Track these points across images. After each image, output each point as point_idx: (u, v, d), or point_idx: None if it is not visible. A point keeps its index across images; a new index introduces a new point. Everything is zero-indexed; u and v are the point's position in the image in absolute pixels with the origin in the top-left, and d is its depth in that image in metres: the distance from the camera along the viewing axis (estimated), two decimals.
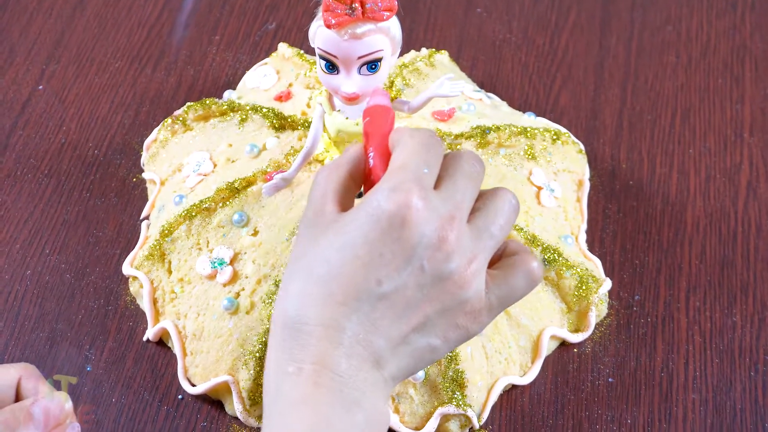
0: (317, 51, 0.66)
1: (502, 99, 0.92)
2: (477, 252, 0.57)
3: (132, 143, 0.90)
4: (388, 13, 0.63)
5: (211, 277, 0.76)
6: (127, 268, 0.80)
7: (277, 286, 0.73)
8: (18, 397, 0.59)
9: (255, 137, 0.82)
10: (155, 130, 0.87)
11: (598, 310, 0.79)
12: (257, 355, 0.72)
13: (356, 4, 0.63)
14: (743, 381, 0.77)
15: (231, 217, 0.77)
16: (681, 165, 0.89)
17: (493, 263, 0.60)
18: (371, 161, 0.59)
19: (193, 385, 0.75)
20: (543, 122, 0.88)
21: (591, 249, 0.83)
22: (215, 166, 0.82)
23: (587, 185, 0.86)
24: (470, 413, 0.72)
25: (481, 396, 0.74)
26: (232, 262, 0.76)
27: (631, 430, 0.74)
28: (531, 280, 0.60)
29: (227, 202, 0.77)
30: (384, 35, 0.64)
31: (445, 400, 0.72)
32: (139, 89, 0.94)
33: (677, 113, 0.93)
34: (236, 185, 0.78)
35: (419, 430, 0.72)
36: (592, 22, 1.01)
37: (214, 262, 0.76)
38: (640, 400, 0.76)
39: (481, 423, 0.74)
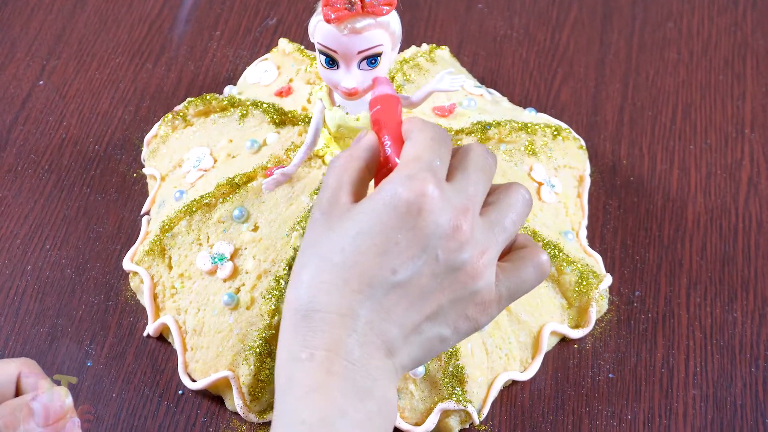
0: (317, 46, 0.66)
1: (503, 95, 0.92)
2: (489, 244, 0.57)
3: (132, 139, 0.90)
4: (387, 8, 0.63)
5: (212, 272, 0.76)
6: (127, 264, 0.80)
7: (277, 281, 0.73)
8: (18, 392, 0.59)
9: (255, 133, 0.82)
10: (156, 126, 0.87)
11: (598, 306, 0.79)
12: (257, 350, 0.72)
13: None
14: (744, 377, 0.77)
15: (231, 212, 0.77)
16: (682, 161, 0.89)
17: (502, 256, 0.60)
18: (388, 150, 0.59)
19: (194, 381, 0.75)
20: (544, 118, 0.88)
21: (591, 245, 0.83)
22: (216, 161, 0.82)
23: (588, 181, 0.85)
24: (470, 409, 0.72)
25: (481, 392, 0.74)
26: (232, 258, 0.76)
27: (632, 426, 0.74)
28: (540, 273, 0.60)
29: (227, 198, 0.77)
30: (384, 30, 0.64)
31: (445, 396, 0.72)
32: (140, 85, 0.94)
33: (678, 109, 0.93)
34: (236, 181, 0.78)
35: (419, 425, 0.72)
36: (593, 18, 1.01)
37: (215, 258, 0.76)
38: (640, 396, 0.76)
39: (482, 419, 0.74)
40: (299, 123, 0.82)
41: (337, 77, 0.66)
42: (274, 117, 0.82)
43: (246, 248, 0.75)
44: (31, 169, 0.88)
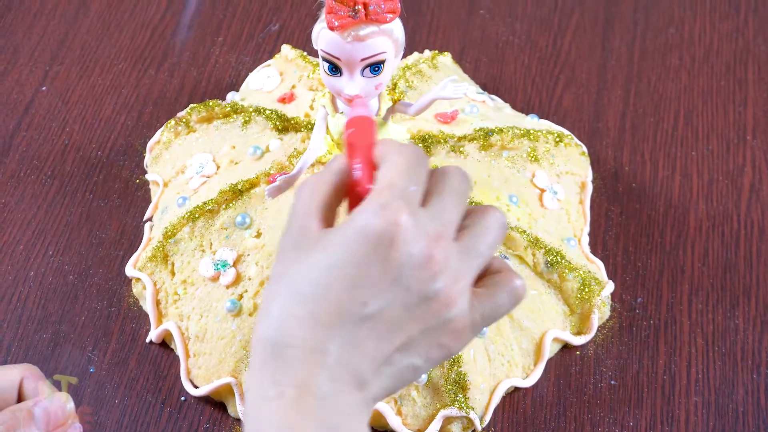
0: (320, 53, 0.66)
1: (505, 101, 0.92)
2: (464, 271, 0.56)
3: (135, 145, 0.90)
4: (391, 15, 0.63)
5: (214, 278, 0.76)
6: (130, 270, 0.80)
7: None
8: (20, 398, 0.59)
9: (258, 139, 0.82)
10: (158, 132, 0.87)
11: (600, 313, 0.79)
12: None
13: (359, 6, 0.63)
14: (746, 384, 0.77)
15: (234, 218, 0.77)
16: (684, 167, 0.89)
17: (477, 280, 0.58)
18: (357, 173, 0.57)
19: (196, 387, 0.75)
20: (546, 124, 0.88)
21: (594, 251, 0.83)
22: (218, 167, 0.82)
23: (590, 187, 0.86)
24: (472, 416, 0.72)
25: (483, 398, 0.74)
26: (235, 264, 0.76)
27: None
28: (515, 298, 0.59)
29: (230, 204, 0.77)
30: (387, 37, 0.64)
31: (447, 403, 0.72)
32: (143, 91, 0.94)
33: (680, 115, 0.93)
34: (239, 187, 0.78)
35: None
36: (595, 24, 1.01)
37: (217, 264, 0.76)
38: (642, 403, 0.76)
39: (484, 425, 0.74)
40: (302, 129, 0.82)
41: (341, 84, 0.66)
42: (277, 123, 0.82)
43: (249, 255, 0.76)
44: (34, 175, 0.88)
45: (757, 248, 0.84)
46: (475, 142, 0.81)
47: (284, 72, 0.89)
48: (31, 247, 0.83)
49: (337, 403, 0.53)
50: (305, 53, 0.89)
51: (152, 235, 0.82)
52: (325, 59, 0.66)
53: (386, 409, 0.72)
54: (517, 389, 0.76)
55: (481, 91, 0.90)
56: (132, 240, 0.83)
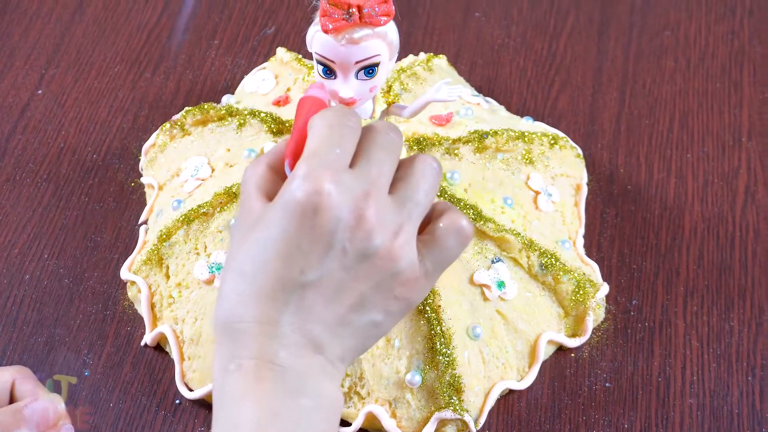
0: (315, 56, 0.66)
1: (500, 103, 0.92)
2: (402, 222, 0.57)
3: (130, 148, 0.90)
4: (385, 18, 0.63)
5: (209, 282, 0.76)
6: (125, 273, 0.80)
7: None
8: (12, 400, 0.59)
9: (253, 142, 0.82)
10: (154, 135, 0.87)
11: (595, 315, 0.79)
12: None
13: (353, 9, 0.63)
14: (740, 386, 0.77)
15: (229, 221, 0.77)
16: (679, 169, 0.89)
17: (423, 228, 0.59)
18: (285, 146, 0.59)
19: (191, 390, 0.75)
20: (541, 127, 0.88)
21: (588, 253, 0.83)
22: (213, 170, 0.82)
23: (585, 190, 0.86)
24: (467, 418, 0.72)
25: (478, 401, 0.74)
26: None
27: None
28: (462, 239, 0.59)
29: (225, 207, 0.78)
30: (381, 40, 0.64)
31: (442, 405, 0.72)
32: (138, 93, 0.94)
33: (675, 118, 0.93)
34: (234, 190, 0.78)
35: None
36: (590, 27, 1.01)
37: (212, 267, 0.76)
38: (637, 405, 0.76)
39: (478, 428, 0.74)
40: None
41: (335, 87, 0.66)
42: (272, 126, 0.82)
43: None
44: (30, 179, 0.88)
45: (752, 250, 0.84)
46: (469, 144, 0.81)
47: (279, 75, 0.89)
48: (26, 250, 0.83)
49: (296, 367, 0.55)
50: (300, 56, 0.89)
51: (147, 238, 0.82)
52: (319, 62, 0.66)
53: (381, 411, 0.72)
54: (511, 391, 0.76)
55: (476, 93, 0.90)
56: (127, 243, 0.83)
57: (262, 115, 0.83)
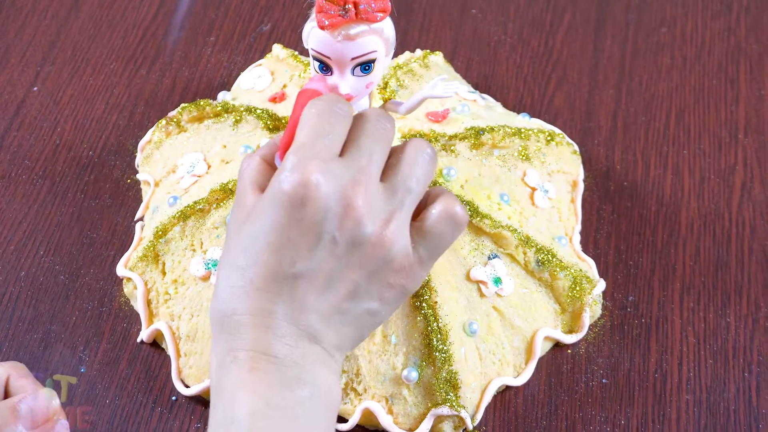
0: (311, 52, 0.66)
1: (497, 100, 0.92)
2: (394, 209, 0.57)
3: (126, 144, 0.90)
4: (381, 14, 0.63)
5: (205, 278, 0.76)
6: (121, 270, 0.80)
7: None
8: (7, 395, 0.59)
9: (249, 138, 0.82)
10: (149, 132, 0.87)
11: (592, 311, 0.79)
12: None
13: (349, 6, 0.63)
14: (737, 382, 0.77)
15: (225, 218, 0.77)
16: (675, 166, 0.89)
17: (417, 214, 0.59)
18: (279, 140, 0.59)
19: (187, 387, 0.75)
20: (537, 123, 0.88)
21: (585, 250, 0.83)
22: (209, 167, 0.82)
23: (581, 186, 0.86)
24: (464, 414, 0.72)
25: (474, 397, 0.74)
26: None
27: (625, 431, 0.74)
28: (456, 225, 0.59)
29: (221, 204, 0.77)
30: (377, 36, 0.64)
31: (438, 401, 0.72)
32: (134, 90, 0.94)
33: (672, 114, 0.93)
34: (230, 186, 0.78)
35: (413, 431, 0.72)
36: (586, 24, 1.01)
37: (208, 263, 0.76)
38: (633, 401, 0.76)
39: (475, 424, 0.74)
40: None
41: (331, 83, 0.66)
42: (268, 123, 0.82)
43: None
44: (25, 175, 0.88)
45: (748, 246, 0.84)
46: (466, 140, 0.81)
47: (275, 71, 0.89)
48: (22, 247, 0.83)
49: (291, 358, 0.55)
50: (296, 53, 0.89)
51: (143, 234, 0.82)
52: (315, 58, 0.66)
53: (377, 408, 0.72)
54: (508, 388, 0.76)
55: (473, 90, 0.90)
56: (123, 240, 0.83)
57: (259, 111, 0.83)
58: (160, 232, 0.78)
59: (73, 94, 0.94)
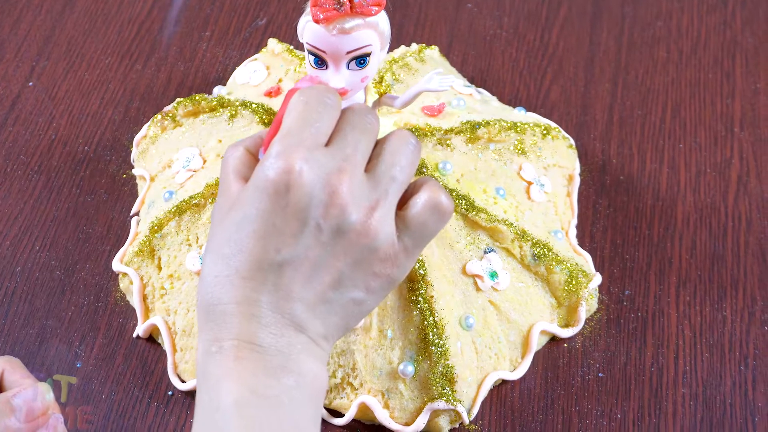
0: (306, 46, 0.65)
1: (493, 94, 0.92)
2: (378, 198, 0.57)
3: (122, 139, 0.90)
4: (376, 8, 0.63)
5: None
6: (116, 265, 0.80)
7: None
8: (1, 390, 0.59)
9: (245, 133, 0.82)
10: (145, 126, 0.87)
11: (588, 305, 0.79)
12: None
13: None
14: (733, 375, 0.77)
15: None
16: (671, 160, 0.89)
17: (402, 204, 0.59)
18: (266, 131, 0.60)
19: (183, 381, 0.75)
20: (533, 117, 0.88)
21: (581, 244, 0.83)
22: (205, 161, 0.82)
23: (577, 180, 0.86)
24: (460, 408, 0.72)
25: (471, 391, 0.74)
26: None
27: (621, 425, 0.74)
28: (441, 216, 0.59)
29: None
30: (373, 30, 0.64)
31: (435, 396, 0.72)
32: (129, 85, 0.94)
33: (668, 108, 0.93)
34: None
35: (409, 425, 0.72)
36: (582, 18, 1.01)
37: None
38: (630, 395, 0.76)
39: (471, 418, 0.74)
40: None
41: (326, 77, 0.66)
42: (264, 117, 0.82)
43: None
44: (21, 170, 0.88)
45: (744, 240, 0.84)
46: (461, 134, 0.81)
47: (271, 66, 0.89)
48: (17, 242, 0.83)
49: (276, 346, 0.55)
50: (292, 47, 0.89)
51: (139, 229, 0.82)
52: (310, 52, 0.65)
53: (373, 402, 0.72)
54: (504, 382, 0.76)
55: (468, 84, 0.90)
56: (119, 235, 0.83)
57: (254, 106, 0.83)
58: (156, 227, 0.78)
59: (68, 90, 0.94)
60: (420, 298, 0.72)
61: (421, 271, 0.72)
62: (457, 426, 0.74)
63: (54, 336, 0.78)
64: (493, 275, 0.76)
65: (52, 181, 0.87)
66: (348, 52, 0.64)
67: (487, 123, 0.81)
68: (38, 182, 0.87)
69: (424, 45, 0.90)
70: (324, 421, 0.74)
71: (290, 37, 0.97)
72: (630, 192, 0.87)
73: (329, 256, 0.56)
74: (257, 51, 0.94)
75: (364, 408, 0.73)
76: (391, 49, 0.80)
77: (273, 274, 0.56)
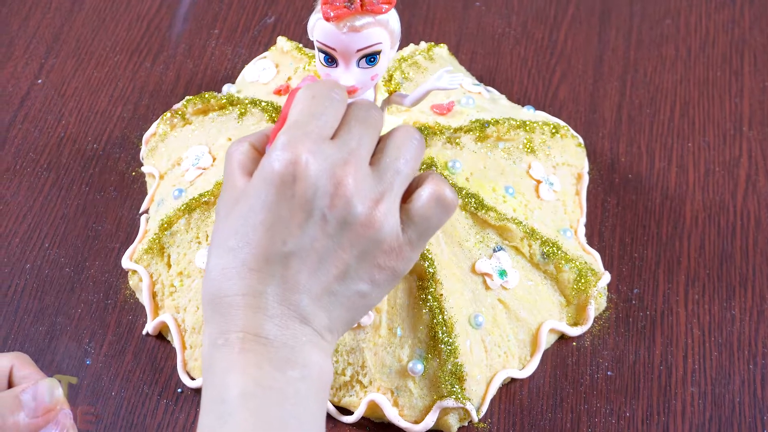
0: (316, 44, 0.66)
1: (501, 93, 0.92)
2: (383, 191, 0.57)
3: (131, 137, 0.90)
4: (386, 6, 0.63)
5: None
6: (126, 262, 0.80)
7: None
8: (11, 385, 0.59)
9: (254, 131, 0.82)
10: (154, 124, 0.87)
11: (597, 304, 0.79)
12: None
13: None
14: (742, 374, 0.77)
15: None
16: (680, 158, 0.89)
17: (408, 197, 0.60)
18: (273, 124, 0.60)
19: (193, 379, 0.75)
20: (542, 116, 0.88)
21: (590, 242, 0.83)
22: (214, 159, 0.82)
23: (586, 179, 0.86)
24: (469, 407, 0.72)
25: (480, 389, 0.74)
26: None
27: (630, 424, 0.74)
28: (444, 208, 0.60)
29: None
30: (383, 28, 0.64)
31: (444, 394, 0.72)
32: (138, 83, 0.94)
33: (676, 107, 0.93)
34: None
35: (418, 423, 0.73)
36: (591, 16, 1.01)
37: None
38: (639, 394, 0.76)
39: (480, 416, 0.74)
40: None
41: (336, 75, 0.66)
42: (273, 115, 0.82)
43: None
44: (30, 168, 0.88)
45: (753, 239, 0.84)
46: (471, 133, 0.81)
47: (280, 64, 0.89)
48: (27, 239, 0.83)
49: (282, 339, 0.55)
50: (301, 45, 0.89)
51: (148, 227, 0.82)
52: (320, 50, 0.66)
53: (383, 400, 0.72)
54: (513, 380, 0.76)
55: (477, 82, 0.90)
56: (128, 232, 0.83)
57: (263, 104, 0.83)
58: (166, 225, 0.78)
59: (77, 87, 0.94)
60: (429, 296, 0.72)
61: (431, 270, 0.72)
62: (466, 424, 0.74)
63: (63, 333, 0.78)
64: (503, 273, 0.76)
65: (62, 179, 0.87)
66: (358, 50, 0.64)
67: (496, 122, 0.81)
68: (47, 180, 0.87)
69: (433, 43, 0.90)
70: (333, 419, 0.74)
71: (299, 35, 0.97)
72: (639, 190, 0.87)
73: (335, 247, 0.56)
74: (266, 49, 0.94)
75: (373, 406, 0.73)
76: (400, 48, 0.81)
77: (280, 265, 0.56)
